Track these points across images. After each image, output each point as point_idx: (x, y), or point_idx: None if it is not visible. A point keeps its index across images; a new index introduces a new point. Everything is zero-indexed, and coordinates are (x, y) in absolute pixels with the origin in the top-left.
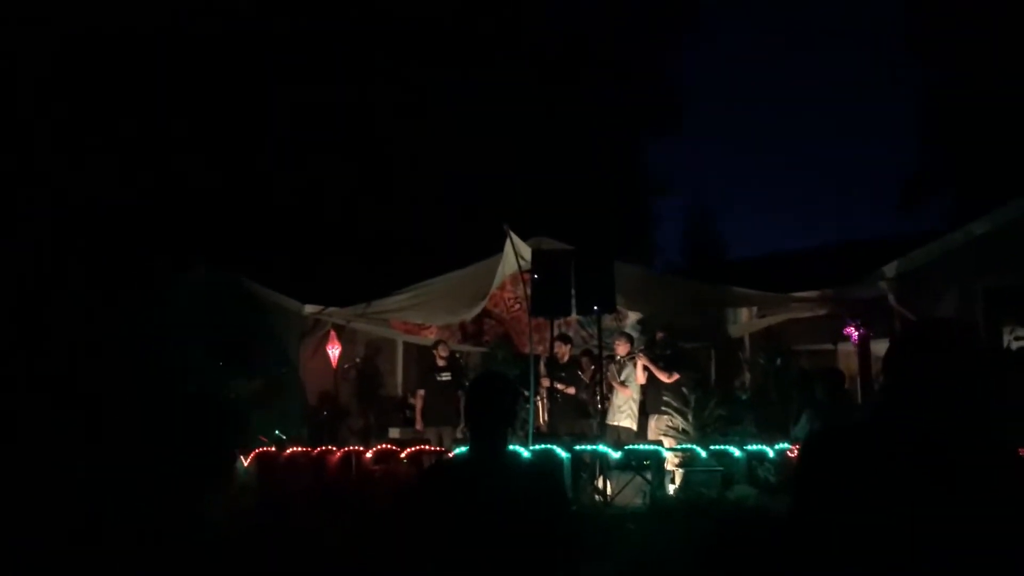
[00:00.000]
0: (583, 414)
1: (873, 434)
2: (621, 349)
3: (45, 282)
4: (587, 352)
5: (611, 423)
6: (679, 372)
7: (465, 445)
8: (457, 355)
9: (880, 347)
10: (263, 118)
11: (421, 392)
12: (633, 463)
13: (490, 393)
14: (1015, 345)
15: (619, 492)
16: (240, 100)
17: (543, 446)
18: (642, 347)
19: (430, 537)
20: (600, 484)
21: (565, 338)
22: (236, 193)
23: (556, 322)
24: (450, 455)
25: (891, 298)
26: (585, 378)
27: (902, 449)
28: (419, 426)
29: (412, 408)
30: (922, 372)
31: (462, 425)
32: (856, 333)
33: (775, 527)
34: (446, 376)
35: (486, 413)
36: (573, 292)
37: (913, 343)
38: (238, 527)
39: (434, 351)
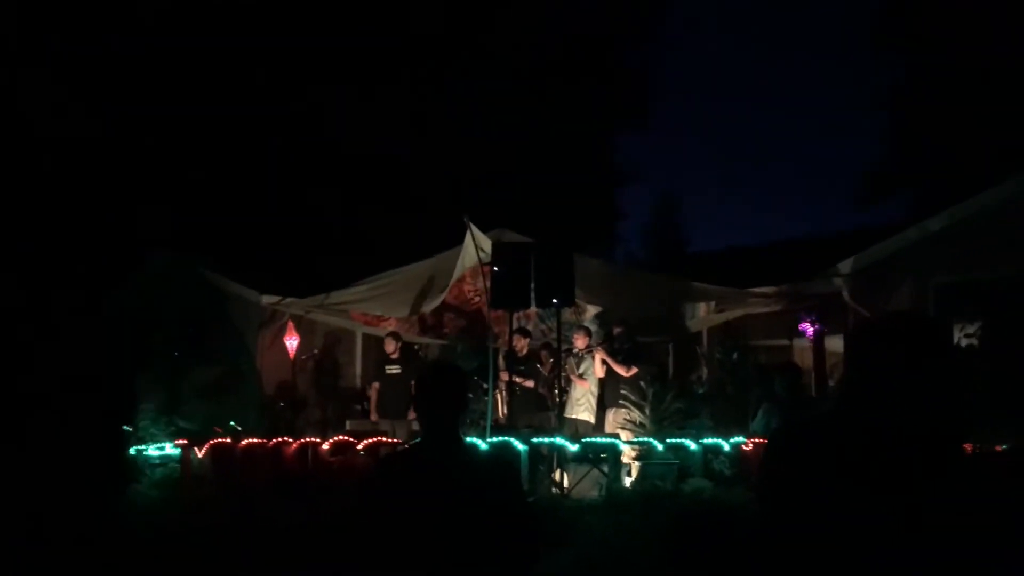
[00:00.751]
0: (542, 407)
1: (835, 427)
2: (580, 342)
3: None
4: (546, 345)
5: (569, 416)
6: (637, 366)
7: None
8: (416, 347)
9: (834, 343)
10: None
11: (375, 384)
12: (590, 456)
13: (439, 384)
14: (964, 342)
15: (576, 484)
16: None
17: (501, 439)
18: (601, 341)
19: (386, 528)
20: (557, 477)
21: (524, 331)
22: (190, 181)
23: (516, 315)
24: (405, 446)
25: (845, 294)
26: (544, 371)
27: (863, 442)
28: (374, 417)
29: (368, 400)
30: (883, 365)
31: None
32: (811, 329)
33: (730, 519)
34: (395, 369)
35: (435, 403)
36: (532, 285)
37: (874, 335)
38: (194, 518)
39: (384, 342)
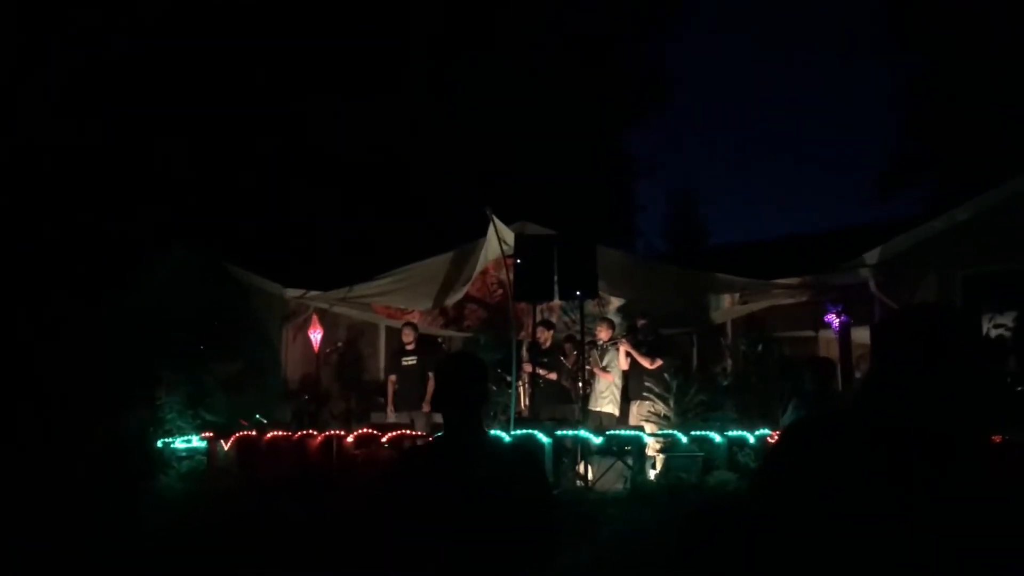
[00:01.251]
0: (565, 400)
1: (854, 423)
2: (603, 335)
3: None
4: (570, 338)
5: (593, 409)
6: (661, 358)
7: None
8: (439, 340)
9: (860, 334)
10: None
11: (392, 377)
12: (614, 448)
13: (459, 375)
14: (994, 332)
15: (600, 477)
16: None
17: (524, 431)
18: (624, 333)
19: (409, 522)
20: (581, 469)
21: (548, 324)
22: (217, 177)
23: (539, 307)
24: (429, 439)
25: (871, 285)
26: (567, 364)
27: (880, 439)
28: (390, 411)
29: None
30: (906, 358)
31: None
32: (837, 320)
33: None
34: (411, 360)
35: (456, 395)
36: (555, 277)
37: (898, 328)
38: (220, 511)
39: (401, 333)
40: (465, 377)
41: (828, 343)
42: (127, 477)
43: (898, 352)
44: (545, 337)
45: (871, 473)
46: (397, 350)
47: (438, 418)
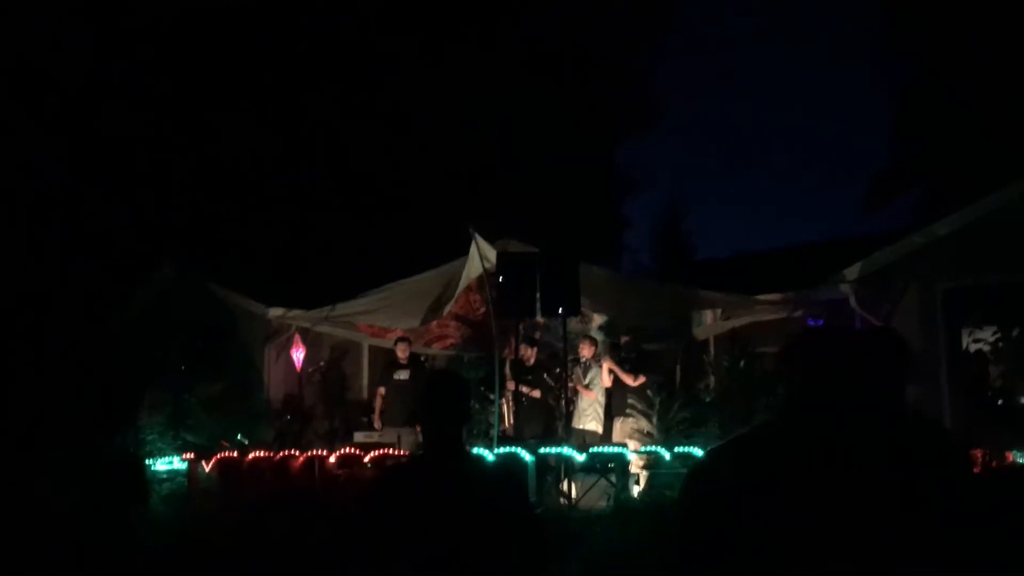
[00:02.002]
0: (549, 417)
1: (783, 437)
2: (586, 352)
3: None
4: (553, 355)
5: (576, 426)
6: (644, 375)
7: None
8: (422, 358)
9: None
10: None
11: (381, 390)
12: (598, 466)
13: (439, 393)
14: (973, 347)
15: (584, 495)
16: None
17: (508, 449)
18: (607, 350)
19: (389, 542)
20: (565, 487)
21: (531, 341)
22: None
23: (523, 325)
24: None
25: (852, 300)
26: (550, 381)
27: (815, 449)
28: (377, 425)
29: (373, 409)
30: (837, 376)
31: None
32: None
33: None
34: (404, 375)
35: (437, 413)
36: (538, 294)
37: (796, 353)
38: (202, 531)
39: (395, 347)
40: (449, 394)
41: None
42: (119, 499)
43: (825, 369)
44: (529, 355)
45: (819, 480)
46: (390, 363)
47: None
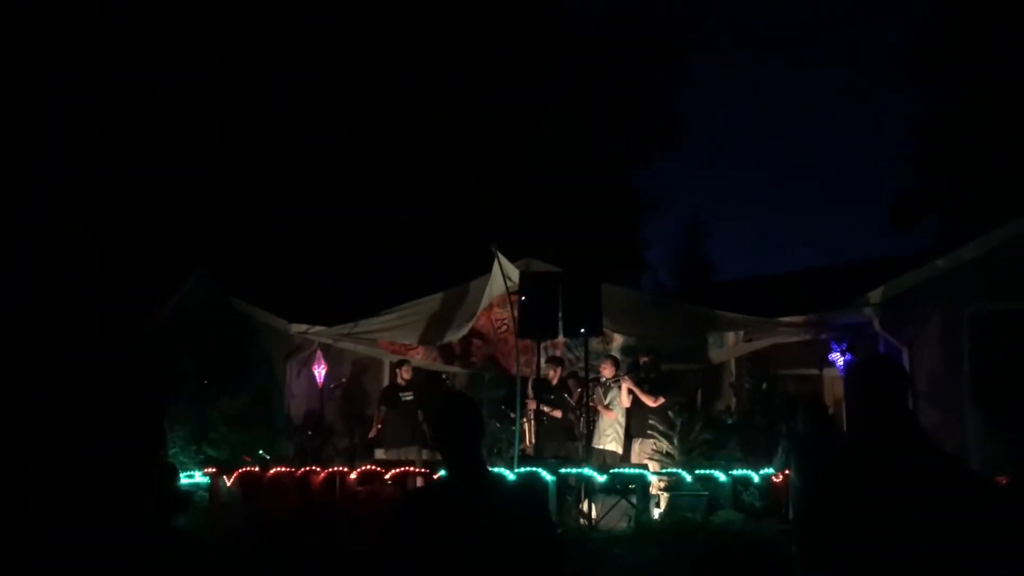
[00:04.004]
0: (570, 437)
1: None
2: (607, 372)
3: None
4: (573, 374)
5: (597, 446)
6: (664, 396)
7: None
8: (444, 376)
9: None
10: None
11: (383, 407)
12: (618, 487)
13: (455, 415)
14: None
15: (604, 516)
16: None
17: (528, 469)
18: (628, 370)
19: (416, 565)
20: (585, 508)
21: (557, 360)
22: (225, 209)
23: (544, 344)
24: (433, 479)
25: (876, 323)
26: (571, 400)
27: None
28: (379, 454)
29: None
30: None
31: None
32: (841, 359)
33: (760, 551)
34: (408, 395)
35: (455, 436)
36: (560, 314)
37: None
38: (223, 546)
39: (397, 370)
40: (464, 418)
41: (832, 381)
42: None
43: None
44: (554, 374)
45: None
46: (393, 385)
47: (426, 455)
